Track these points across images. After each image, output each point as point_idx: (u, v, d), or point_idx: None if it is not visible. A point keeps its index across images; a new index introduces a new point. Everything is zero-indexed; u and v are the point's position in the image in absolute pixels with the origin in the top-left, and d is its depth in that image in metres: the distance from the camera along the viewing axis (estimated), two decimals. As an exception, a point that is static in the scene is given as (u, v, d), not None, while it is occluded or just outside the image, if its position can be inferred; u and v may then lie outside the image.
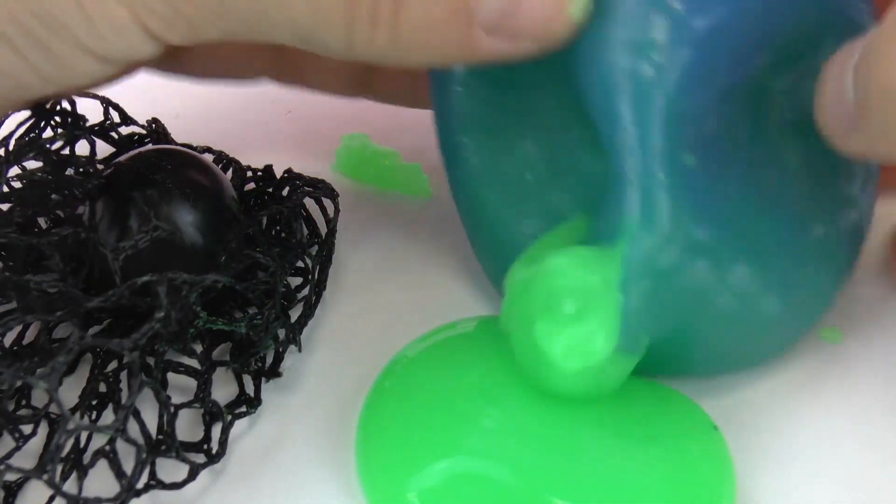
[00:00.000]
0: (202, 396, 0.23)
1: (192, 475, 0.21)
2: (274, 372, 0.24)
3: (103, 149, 0.27)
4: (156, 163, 0.24)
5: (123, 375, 0.23)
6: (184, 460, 0.21)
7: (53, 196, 0.24)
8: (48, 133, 0.25)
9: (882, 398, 0.23)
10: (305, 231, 0.27)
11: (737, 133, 0.21)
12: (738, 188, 0.21)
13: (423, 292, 0.26)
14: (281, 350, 0.24)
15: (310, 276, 0.25)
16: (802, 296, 0.22)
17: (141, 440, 0.21)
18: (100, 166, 0.26)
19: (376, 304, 0.26)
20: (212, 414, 0.23)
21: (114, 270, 0.22)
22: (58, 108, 0.25)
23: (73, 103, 0.25)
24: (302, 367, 0.25)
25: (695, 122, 0.20)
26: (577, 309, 0.20)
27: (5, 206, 0.24)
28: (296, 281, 0.26)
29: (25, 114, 0.25)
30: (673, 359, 0.23)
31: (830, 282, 0.23)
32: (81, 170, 0.25)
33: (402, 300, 0.26)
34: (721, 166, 0.20)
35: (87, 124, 0.25)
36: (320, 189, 0.26)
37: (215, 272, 0.23)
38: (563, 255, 0.21)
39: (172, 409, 0.22)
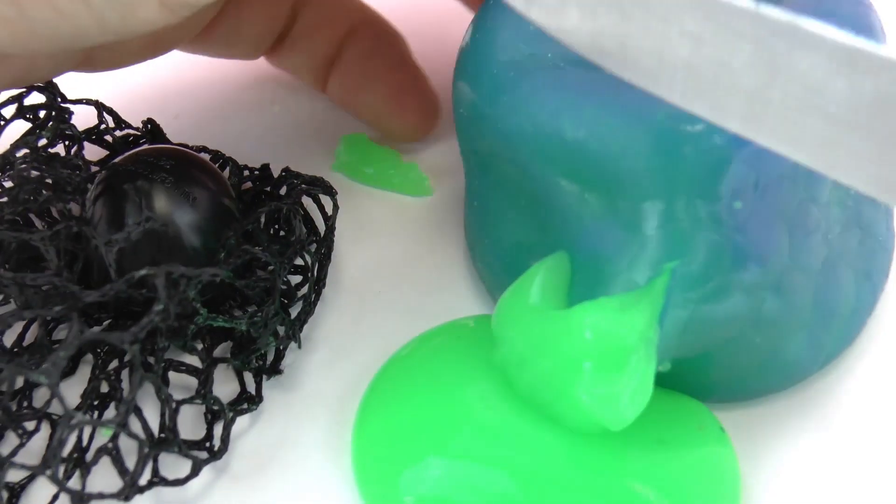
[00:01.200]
0: (203, 393, 0.23)
1: (194, 471, 0.22)
2: (275, 369, 0.24)
3: (100, 152, 0.27)
4: (153, 162, 0.24)
5: (125, 374, 0.23)
6: (186, 456, 0.21)
7: (44, 192, 0.24)
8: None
9: (888, 402, 0.23)
10: (304, 229, 0.27)
11: (785, 184, 0.21)
12: (780, 234, 0.21)
13: (422, 291, 0.26)
14: (281, 347, 0.24)
15: (309, 274, 0.25)
16: (826, 338, 0.23)
17: (143, 436, 0.21)
18: (95, 168, 0.26)
19: (376, 303, 0.26)
20: (213, 411, 0.23)
21: (108, 263, 0.22)
22: (54, 103, 0.25)
23: (55, 96, 0.25)
24: (302, 364, 0.25)
25: (749, 172, 0.20)
26: (619, 364, 0.20)
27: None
28: (295, 279, 0.26)
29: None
30: (689, 385, 0.23)
31: (855, 325, 0.24)
32: (75, 166, 0.25)
33: (401, 299, 0.26)
34: (767, 213, 0.21)
35: (81, 129, 0.25)
36: (318, 186, 0.26)
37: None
38: (593, 309, 0.20)
39: (174, 405, 0.22)
